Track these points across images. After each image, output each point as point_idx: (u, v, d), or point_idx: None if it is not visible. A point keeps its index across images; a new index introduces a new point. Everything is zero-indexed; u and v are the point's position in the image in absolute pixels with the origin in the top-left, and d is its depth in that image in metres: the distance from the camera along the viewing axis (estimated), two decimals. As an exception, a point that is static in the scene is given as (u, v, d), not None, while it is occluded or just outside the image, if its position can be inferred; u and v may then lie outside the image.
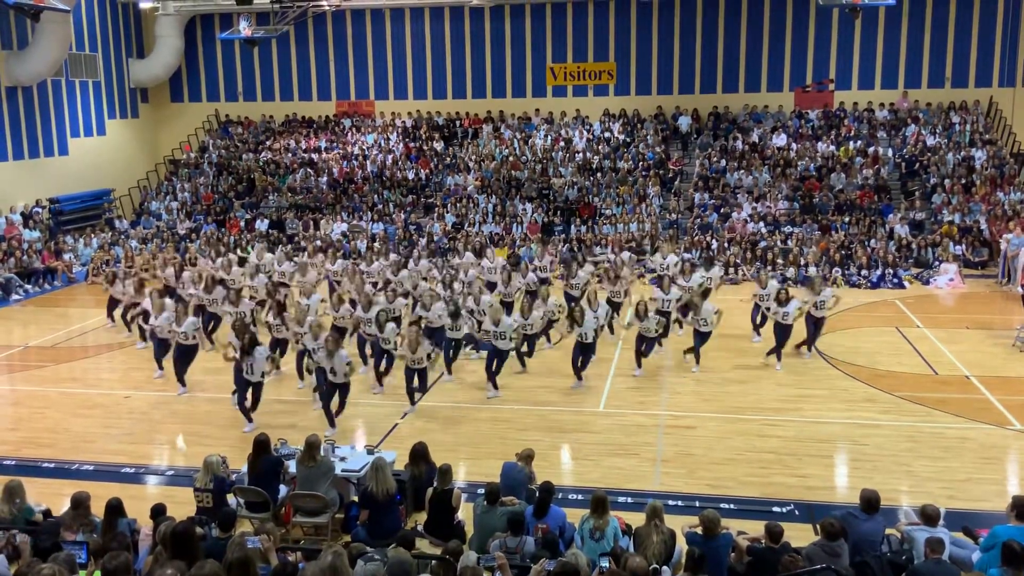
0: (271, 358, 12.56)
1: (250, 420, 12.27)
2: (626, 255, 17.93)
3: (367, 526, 8.38)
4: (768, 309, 14.84)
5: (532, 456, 9.23)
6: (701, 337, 14.43)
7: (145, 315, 15.25)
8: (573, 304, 15.05)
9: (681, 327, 15.92)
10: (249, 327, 13.37)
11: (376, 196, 27.44)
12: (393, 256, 18.84)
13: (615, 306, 15.79)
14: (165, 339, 14.22)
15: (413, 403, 12.89)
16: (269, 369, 12.35)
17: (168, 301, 14.57)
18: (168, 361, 14.28)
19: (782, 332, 14.45)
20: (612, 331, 16.19)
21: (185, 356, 13.75)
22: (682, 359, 14.86)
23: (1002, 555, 6.41)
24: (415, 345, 12.57)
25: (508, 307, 15.74)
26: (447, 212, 26.16)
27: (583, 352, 13.86)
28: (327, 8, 27.57)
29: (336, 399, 12.18)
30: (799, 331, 14.86)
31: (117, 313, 17.56)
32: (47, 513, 8.76)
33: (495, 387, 13.51)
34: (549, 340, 15.82)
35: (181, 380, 13.87)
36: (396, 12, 29.95)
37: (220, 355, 12.74)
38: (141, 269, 23.25)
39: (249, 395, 12.27)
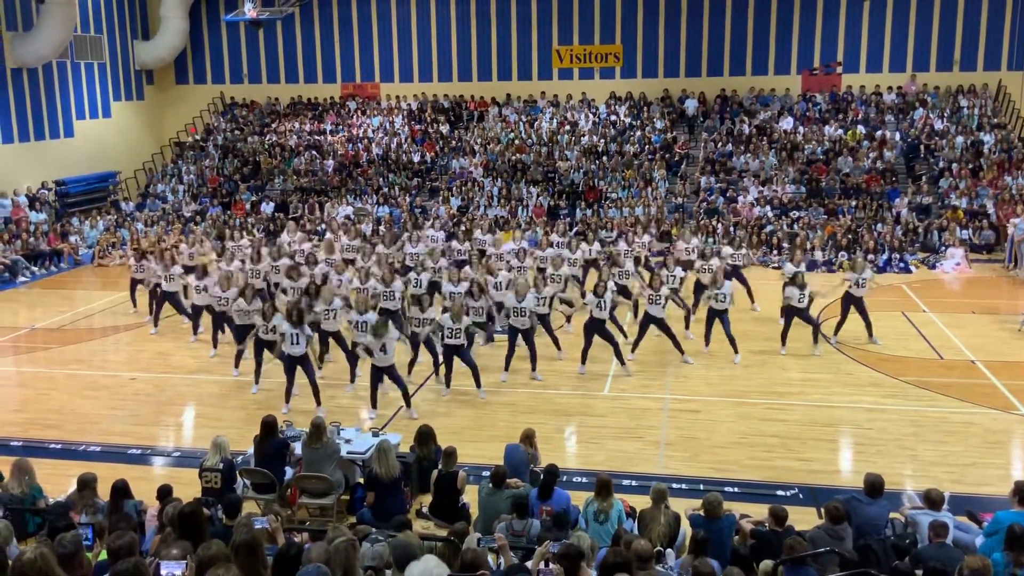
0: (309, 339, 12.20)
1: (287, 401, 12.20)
2: (647, 239, 17.89)
3: (373, 508, 8.42)
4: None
5: (532, 436, 9.26)
6: (719, 317, 14.07)
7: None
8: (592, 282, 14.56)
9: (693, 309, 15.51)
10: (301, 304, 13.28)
11: (381, 179, 27.40)
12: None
13: (623, 290, 15.44)
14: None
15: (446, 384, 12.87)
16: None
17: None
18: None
19: (790, 315, 14.41)
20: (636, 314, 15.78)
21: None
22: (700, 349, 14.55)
23: (1006, 539, 6.43)
24: (460, 314, 12.38)
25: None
26: (452, 195, 26.12)
27: (599, 332, 13.43)
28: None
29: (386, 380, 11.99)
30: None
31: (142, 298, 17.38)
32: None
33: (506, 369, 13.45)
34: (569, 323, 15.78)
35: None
36: (402, -7, 29.83)
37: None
38: (147, 251, 23.34)
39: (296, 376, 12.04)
